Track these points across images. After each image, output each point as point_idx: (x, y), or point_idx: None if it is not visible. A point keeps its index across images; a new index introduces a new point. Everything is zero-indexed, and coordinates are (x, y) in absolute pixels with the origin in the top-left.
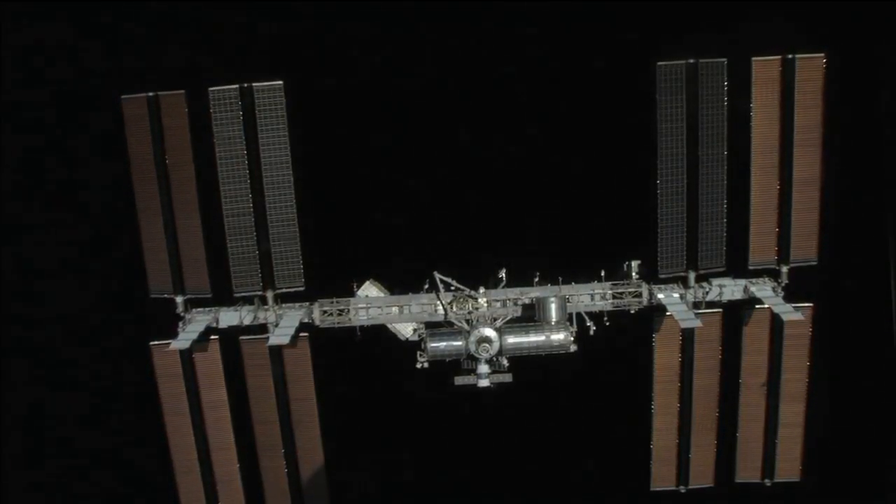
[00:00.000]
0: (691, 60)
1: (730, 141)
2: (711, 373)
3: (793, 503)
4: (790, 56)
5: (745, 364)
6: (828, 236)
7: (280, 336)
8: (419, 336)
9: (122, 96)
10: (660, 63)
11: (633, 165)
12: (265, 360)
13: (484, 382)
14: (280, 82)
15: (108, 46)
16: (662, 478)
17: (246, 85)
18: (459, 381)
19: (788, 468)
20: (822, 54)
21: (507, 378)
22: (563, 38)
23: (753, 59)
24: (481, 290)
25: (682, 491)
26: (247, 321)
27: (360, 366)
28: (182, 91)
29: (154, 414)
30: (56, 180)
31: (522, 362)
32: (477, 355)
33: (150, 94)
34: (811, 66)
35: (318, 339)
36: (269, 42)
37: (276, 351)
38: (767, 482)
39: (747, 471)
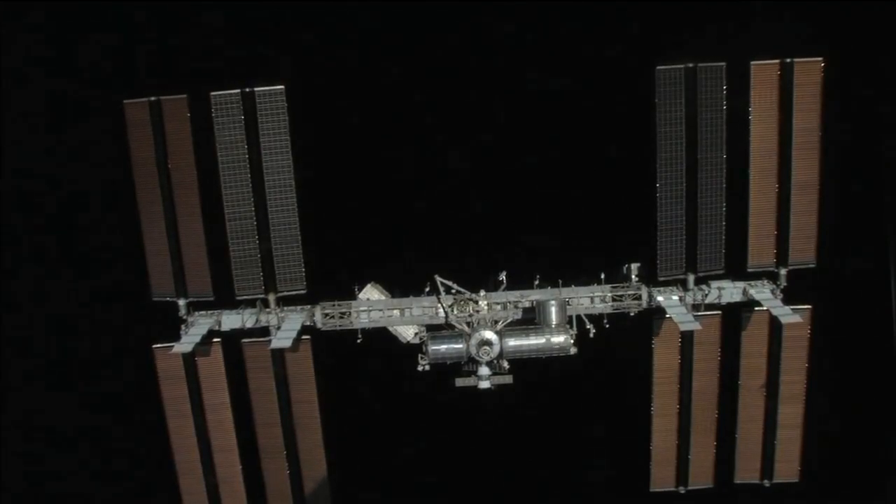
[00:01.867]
0: (690, 64)
1: (729, 144)
2: (710, 374)
3: None
4: (788, 60)
5: (744, 366)
6: (826, 239)
7: (282, 339)
8: (420, 339)
9: (125, 100)
10: (659, 67)
11: (632, 168)
12: (267, 363)
13: (485, 384)
14: (281, 86)
15: (111, 50)
16: (662, 479)
17: (248, 89)
18: (460, 382)
19: (787, 469)
20: (821, 58)
21: (508, 380)
22: (564, 41)
23: (752, 62)
24: (482, 292)
25: (682, 492)
26: (249, 324)
27: (361, 368)
28: (184, 95)
29: (157, 416)
30: (58, 184)
31: (523, 364)
32: (478, 358)
33: (153, 98)
34: (809, 70)
35: (320, 341)
36: (271, 46)
37: (279, 354)
38: (766, 483)
39: (746, 472)
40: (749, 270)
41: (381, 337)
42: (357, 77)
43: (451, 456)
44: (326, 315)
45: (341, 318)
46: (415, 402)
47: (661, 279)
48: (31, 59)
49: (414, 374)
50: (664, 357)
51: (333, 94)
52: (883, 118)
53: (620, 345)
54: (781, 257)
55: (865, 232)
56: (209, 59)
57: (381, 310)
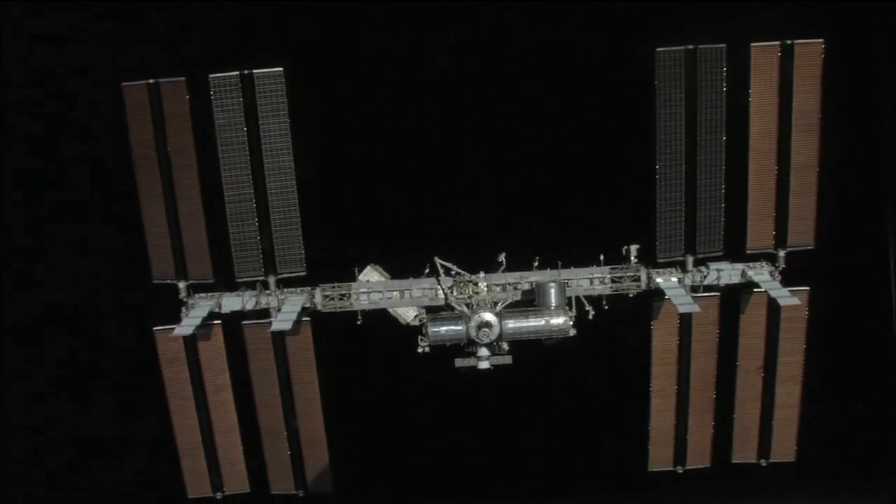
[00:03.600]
0: (690, 46)
1: (728, 126)
2: (709, 355)
3: (788, 483)
4: (789, 42)
5: (742, 347)
6: (825, 221)
7: (282, 322)
8: (420, 321)
9: (123, 83)
10: (659, 49)
11: (632, 150)
12: (268, 345)
13: (484, 364)
14: (280, 69)
15: (109, 33)
16: (660, 459)
17: (246, 72)
18: (459, 363)
19: (784, 449)
20: (821, 40)
21: (507, 360)
22: (562, 22)
23: (752, 44)
24: (481, 274)
25: (680, 471)
26: (249, 306)
27: (361, 349)
28: (183, 78)
29: (158, 396)
30: (57, 166)
31: (522, 346)
32: (477, 340)
33: (152, 81)
34: (810, 52)
35: (321, 322)
36: (270, 28)
37: (279, 336)
38: (763, 462)
39: (744, 451)
40: (748, 252)
41: (381, 318)
42: (357, 58)
43: (451, 436)
44: (326, 297)
45: (341, 299)
46: (414, 383)
47: (660, 261)
48: (29, 43)
49: (414, 354)
50: (663, 338)
51: (333, 77)
52: (883, 101)
53: (619, 326)
54: (780, 239)
55: (864, 214)
56: (209, 42)
57: (380, 291)
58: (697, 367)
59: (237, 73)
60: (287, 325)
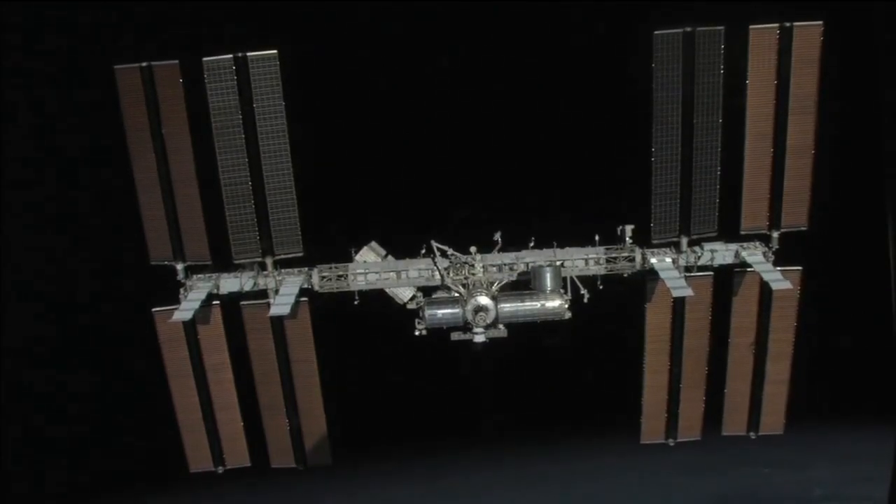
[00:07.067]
0: (688, 29)
1: (725, 108)
2: (701, 333)
3: (777, 455)
4: (788, 24)
5: (734, 325)
6: (819, 202)
7: (281, 305)
8: (417, 304)
9: (116, 66)
10: (657, 31)
11: (628, 131)
12: (266, 325)
13: (480, 338)
14: (274, 51)
15: (102, 17)
16: (652, 432)
17: (240, 55)
18: (456, 336)
19: (773, 422)
20: (820, 22)
21: (503, 333)
22: (558, 5)
23: (750, 27)
24: (478, 256)
25: (671, 444)
26: (247, 287)
27: (360, 326)
28: (176, 61)
29: (160, 374)
30: (54, 153)
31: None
32: (474, 324)
33: (144, 64)
34: (808, 35)
35: (318, 301)
36: (264, 10)
37: (278, 317)
38: (752, 435)
39: (734, 425)
40: (742, 233)
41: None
42: (352, 41)
43: (449, 413)
44: (324, 277)
45: (338, 280)
46: (412, 360)
47: (655, 241)
48: (22, 27)
49: (411, 332)
50: (656, 317)
51: (328, 59)
52: (880, 84)
53: (614, 304)
54: (774, 220)
55: (858, 196)
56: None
57: (377, 272)
58: (690, 345)
59: (231, 56)
60: (286, 310)
